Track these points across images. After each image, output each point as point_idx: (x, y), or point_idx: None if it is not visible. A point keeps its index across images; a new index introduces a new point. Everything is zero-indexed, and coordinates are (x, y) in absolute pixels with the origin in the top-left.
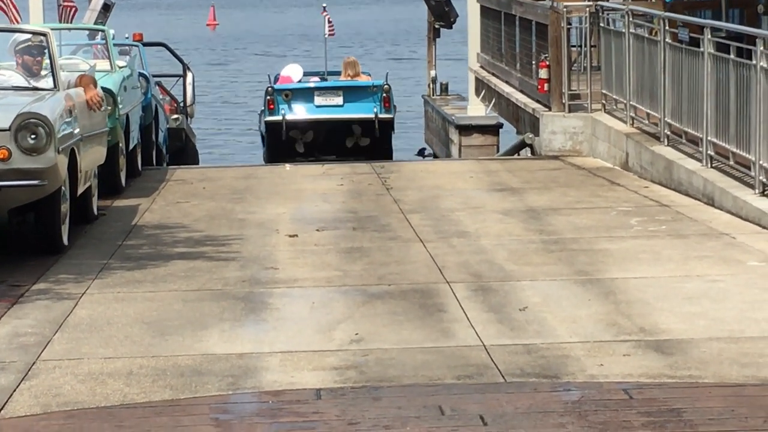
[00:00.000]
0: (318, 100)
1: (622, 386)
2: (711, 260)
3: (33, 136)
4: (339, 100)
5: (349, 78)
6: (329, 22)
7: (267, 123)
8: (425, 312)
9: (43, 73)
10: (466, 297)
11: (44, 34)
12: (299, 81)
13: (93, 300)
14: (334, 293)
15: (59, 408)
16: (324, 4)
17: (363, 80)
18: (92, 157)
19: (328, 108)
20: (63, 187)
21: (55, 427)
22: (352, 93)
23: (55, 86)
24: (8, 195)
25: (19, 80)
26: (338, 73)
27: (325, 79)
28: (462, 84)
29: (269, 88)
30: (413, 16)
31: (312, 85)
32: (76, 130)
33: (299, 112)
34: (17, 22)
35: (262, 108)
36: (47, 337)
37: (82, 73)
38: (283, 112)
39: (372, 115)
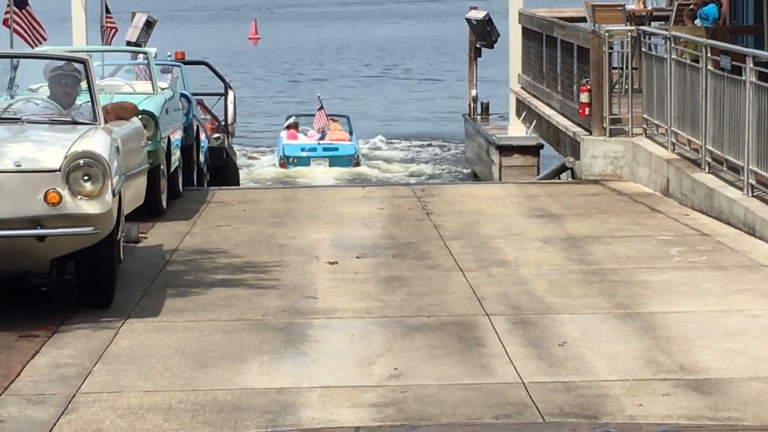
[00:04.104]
0: (312, 164)
1: (662, 428)
2: (751, 294)
3: (87, 178)
4: (326, 163)
5: (333, 128)
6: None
7: None
8: (464, 346)
9: (78, 102)
10: (506, 330)
11: (83, 62)
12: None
13: (133, 329)
14: (374, 325)
15: None
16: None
17: (341, 135)
18: (133, 198)
19: (319, 167)
20: (116, 233)
21: None
22: (335, 158)
23: (95, 119)
24: (55, 244)
25: (56, 112)
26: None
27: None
28: (501, 104)
29: (282, 155)
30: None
31: (309, 154)
32: (122, 169)
33: None
34: (37, 44)
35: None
36: (87, 368)
37: (117, 102)
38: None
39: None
